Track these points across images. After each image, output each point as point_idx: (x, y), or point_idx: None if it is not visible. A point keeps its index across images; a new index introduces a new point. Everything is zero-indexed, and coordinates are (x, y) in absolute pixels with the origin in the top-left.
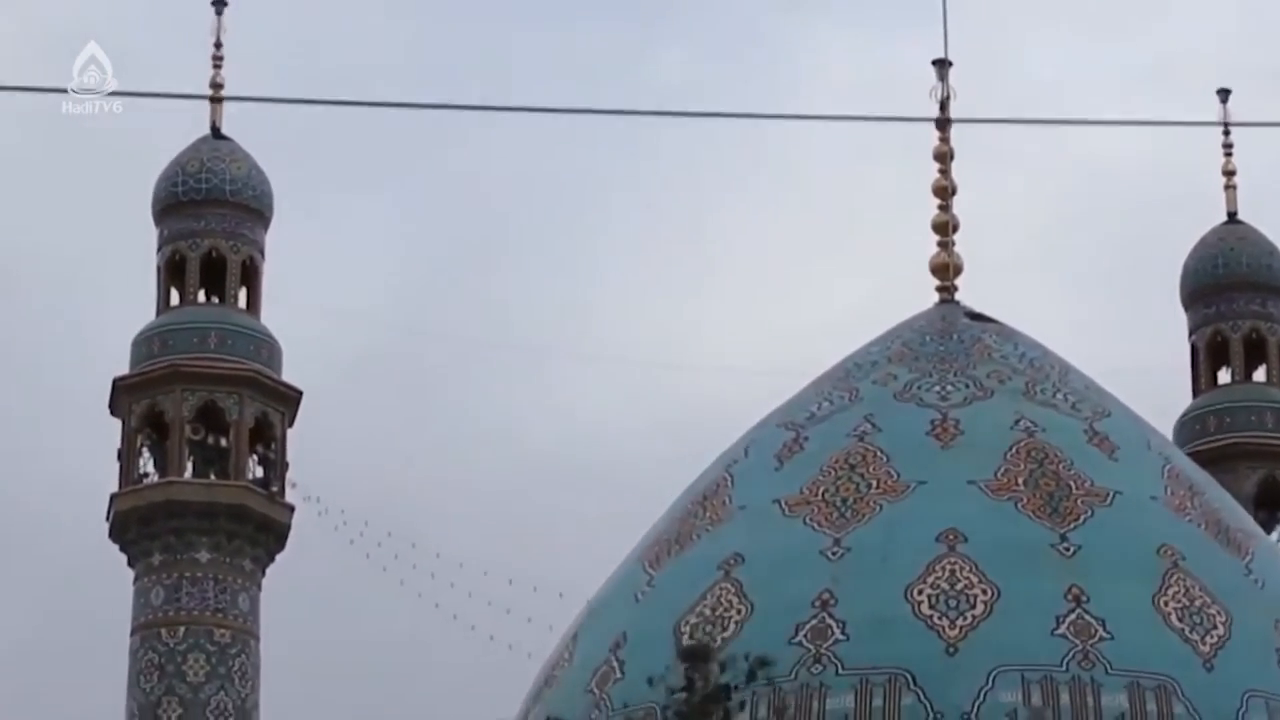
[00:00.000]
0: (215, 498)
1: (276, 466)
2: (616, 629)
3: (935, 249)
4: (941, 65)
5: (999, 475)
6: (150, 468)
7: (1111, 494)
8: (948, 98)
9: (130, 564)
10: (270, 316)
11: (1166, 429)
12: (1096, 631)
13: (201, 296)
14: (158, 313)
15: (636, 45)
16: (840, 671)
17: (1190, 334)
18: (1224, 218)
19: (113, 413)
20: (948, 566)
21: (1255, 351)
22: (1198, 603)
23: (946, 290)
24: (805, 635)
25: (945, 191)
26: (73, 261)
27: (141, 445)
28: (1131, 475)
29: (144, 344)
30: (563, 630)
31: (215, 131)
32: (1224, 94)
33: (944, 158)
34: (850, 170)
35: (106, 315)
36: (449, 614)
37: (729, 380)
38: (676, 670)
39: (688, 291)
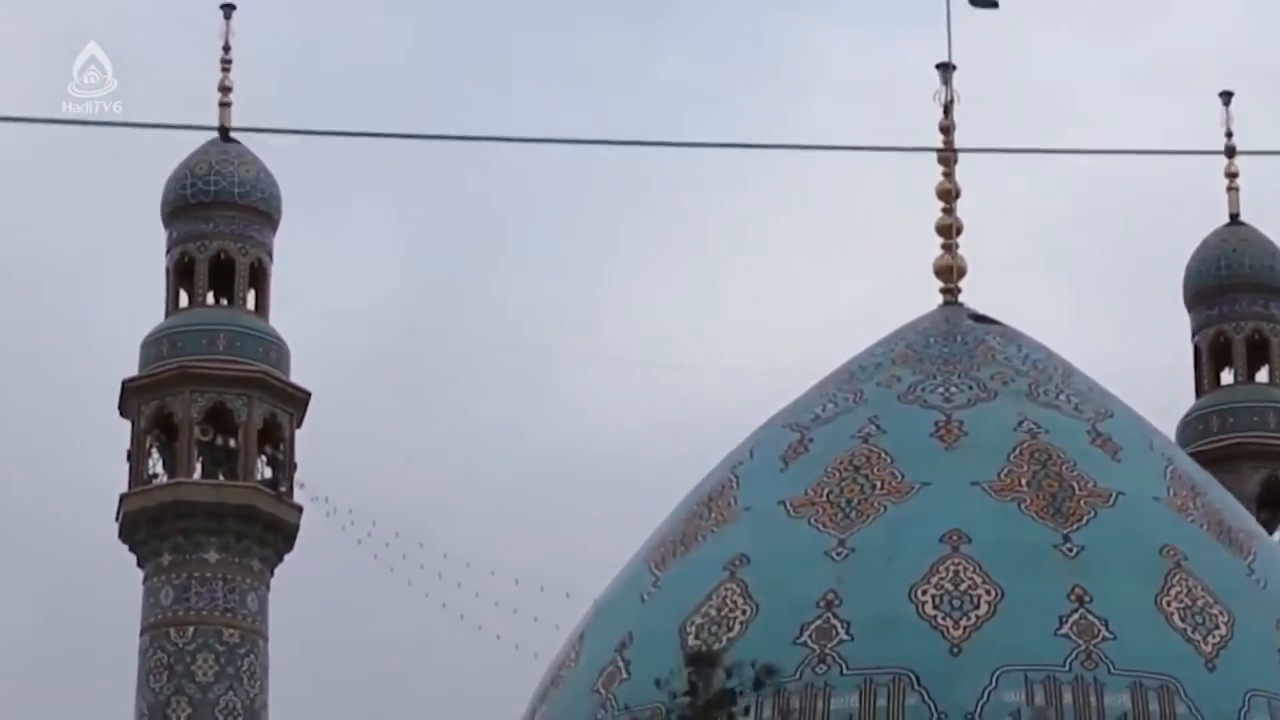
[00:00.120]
0: (224, 498)
1: (285, 467)
2: (622, 629)
3: (939, 251)
4: (945, 69)
5: (1002, 476)
6: (159, 468)
7: (1114, 495)
8: (951, 101)
9: (139, 564)
10: (276, 318)
11: (1169, 430)
12: (1099, 631)
13: (210, 298)
14: (167, 314)
15: (636, 45)
16: (845, 671)
17: (1193, 335)
18: (1226, 219)
19: (122, 414)
20: (951, 567)
21: (1258, 352)
22: (1200, 603)
23: (950, 292)
24: (810, 635)
25: (949, 194)
26: (82, 263)
27: (151, 446)
28: (1134, 476)
29: (153, 345)
30: (569, 630)
31: (224, 134)
32: (1226, 96)
33: (948, 161)
34: (851, 170)
35: (116, 317)
36: (456, 613)
37: (731, 380)
38: (681, 673)
39: (689, 292)
